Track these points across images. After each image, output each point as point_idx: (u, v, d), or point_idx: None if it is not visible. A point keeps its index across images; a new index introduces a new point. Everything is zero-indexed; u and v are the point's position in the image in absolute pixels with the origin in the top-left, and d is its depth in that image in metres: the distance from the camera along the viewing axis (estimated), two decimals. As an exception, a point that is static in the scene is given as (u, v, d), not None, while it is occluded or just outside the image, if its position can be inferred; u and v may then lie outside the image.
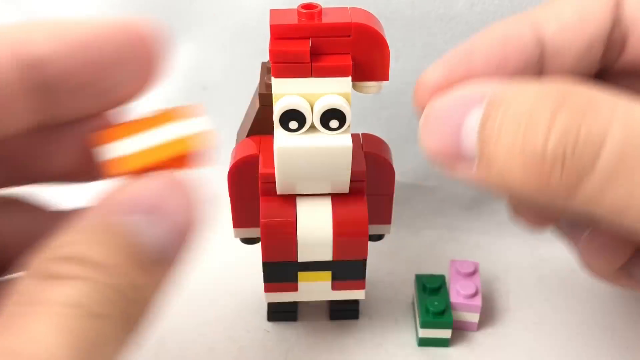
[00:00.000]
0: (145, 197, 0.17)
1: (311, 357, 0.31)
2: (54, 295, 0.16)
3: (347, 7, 0.25)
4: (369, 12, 0.26)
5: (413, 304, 0.33)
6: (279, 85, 0.25)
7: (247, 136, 0.30)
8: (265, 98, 0.30)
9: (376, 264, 0.33)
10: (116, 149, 0.17)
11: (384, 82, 0.26)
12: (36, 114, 0.18)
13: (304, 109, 0.25)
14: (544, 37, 0.24)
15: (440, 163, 0.21)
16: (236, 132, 0.34)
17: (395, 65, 0.29)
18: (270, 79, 0.26)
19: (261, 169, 0.27)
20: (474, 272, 0.32)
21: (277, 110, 0.25)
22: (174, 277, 0.18)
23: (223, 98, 0.43)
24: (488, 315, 0.33)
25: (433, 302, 0.30)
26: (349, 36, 0.25)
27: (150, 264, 0.17)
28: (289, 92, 0.25)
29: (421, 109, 0.23)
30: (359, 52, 0.25)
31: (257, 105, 0.30)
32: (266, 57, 0.25)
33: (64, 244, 0.17)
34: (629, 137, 0.18)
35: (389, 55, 0.25)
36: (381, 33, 0.25)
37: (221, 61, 0.42)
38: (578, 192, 0.19)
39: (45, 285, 0.16)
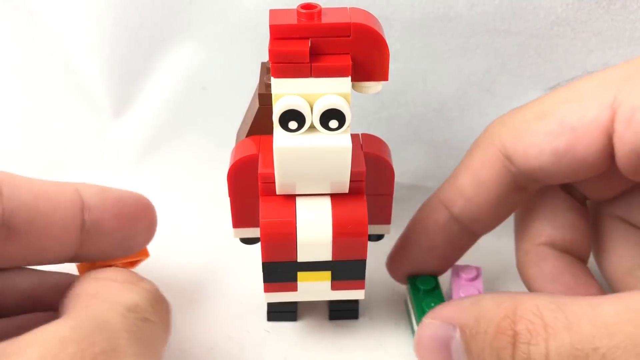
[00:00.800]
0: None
1: (311, 357, 0.31)
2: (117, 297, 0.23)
3: (346, 7, 0.25)
4: (368, 13, 0.26)
5: (407, 305, 0.33)
6: (278, 85, 0.25)
7: (247, 136, 0.30)
8: (264, 98, 0.30)
9: (376, 264, 0.33)
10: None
11: (384, 82, 0.26)
12: (75, 248, 0.25)
13: (304, 109, 0.25)
14: (455, 214, 0.30)
15: None
16: (236, 132, 0.34)
17: (395, 65, 0.30)
18: (270, 79, 0.26)
19: (261, 169, 0.27)
20: (476, 277, 0.32)
21: (277, 110, 0.25)
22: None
23: (223, 98, 0.43)
24: (488, 315, 0.33)
25: (429, 304, 0.30)
26: (349, 36, 0.25)
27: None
28: (288, 92, 0.25)
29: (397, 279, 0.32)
30: (359, 52, 0.25)
31: (257, 105, 0.30)
32: (266, 57, 0.25)
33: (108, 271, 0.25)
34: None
35: (388, 55, 0.25)
36: (381, 33, 0.25)
37: (221, 61, 0.42)
38: None
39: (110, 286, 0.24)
